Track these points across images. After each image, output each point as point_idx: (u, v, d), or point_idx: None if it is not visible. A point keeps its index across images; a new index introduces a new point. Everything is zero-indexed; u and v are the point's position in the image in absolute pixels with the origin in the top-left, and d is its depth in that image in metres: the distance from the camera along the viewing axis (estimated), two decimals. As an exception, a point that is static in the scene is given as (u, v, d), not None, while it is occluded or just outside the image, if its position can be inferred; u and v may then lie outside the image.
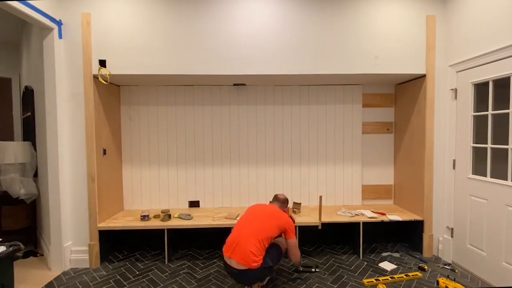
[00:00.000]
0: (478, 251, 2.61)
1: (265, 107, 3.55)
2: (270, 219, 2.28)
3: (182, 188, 3.55)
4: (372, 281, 2.53)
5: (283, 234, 2.35)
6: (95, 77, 2.86)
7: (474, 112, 2.68)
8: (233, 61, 2.86)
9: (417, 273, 2.66)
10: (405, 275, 2.62)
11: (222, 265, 2.63)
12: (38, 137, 3.29)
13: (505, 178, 2.36)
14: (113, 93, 3.29)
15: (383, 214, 3.13)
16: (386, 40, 2.92)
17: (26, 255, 3.14)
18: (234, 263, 2.13)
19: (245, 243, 2.13)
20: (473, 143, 2.69)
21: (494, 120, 2.53)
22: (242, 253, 2.11)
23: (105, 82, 2.86)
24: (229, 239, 2.26)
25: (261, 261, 2.13)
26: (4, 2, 2.18)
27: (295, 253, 2.34)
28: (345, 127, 3.59)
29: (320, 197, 3.01)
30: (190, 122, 3.52)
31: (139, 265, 2.95)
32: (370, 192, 3.64)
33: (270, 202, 2.65)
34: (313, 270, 2.76)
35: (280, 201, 2.60)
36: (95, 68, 2.81)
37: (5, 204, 3.19)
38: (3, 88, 4.46)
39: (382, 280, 2.54)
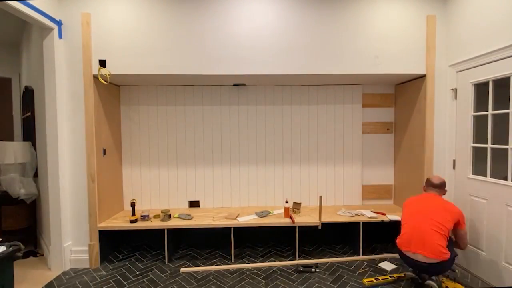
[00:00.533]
0: (478, 251, 2.61)
1: (265, 107, 3.55)
2: (444, 213, 2.32)
3: (182, 188, 3.55)
4: (372, 281, 2.53)
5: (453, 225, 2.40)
6: (95, 77, 2.86)
7: (474, 112, 2.68)
8: (233, 61, 2.86)
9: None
10: (405, 274, 2.63)
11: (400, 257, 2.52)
12: (38, 137, 3.29)
13: (505, 178, 2.36)
14: (113, 93, 3.29)
15: (383, 214, 3.13)
16: (386, 40, 2.92)
17: (26, 255, 3.14)
18: (421, 257, 2.24)
19: (431, 238, 2.22)
20: (473, 143, 2.69)
21: (494, 120, 2.53)
22: (430, 247, 2.21)
23: (105, 82, 2.86)
24: (407, 233, 2.34)
25: (449, 253, 2.23)
26: (4, 2, 2.18)
27: (466, 242, 2.47)
28: (345, 127, 3.59)
29: (320, 197, 3.01)
30: (190, 122, 3.52)
31: (139, 265, 2.95)
32: (370, 192, 3.64)
33: (424, 188, 2.62)
34: (313, 270, 2.76)
35: (437, 186, 2.53)
36: (95, 68, 2.81)
37: (5, 204, 3.19)
38: (3, 88, 4.46)
39: (382, 279, 2.55)
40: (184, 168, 3.54)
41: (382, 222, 3.07)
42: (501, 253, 2.38)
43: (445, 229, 2.26)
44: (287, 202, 3.06)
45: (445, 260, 2.21)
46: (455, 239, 2.48)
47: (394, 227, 3.59)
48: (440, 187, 2.53)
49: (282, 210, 3.29)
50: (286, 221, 2.97)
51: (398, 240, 2.41)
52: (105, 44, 2.81)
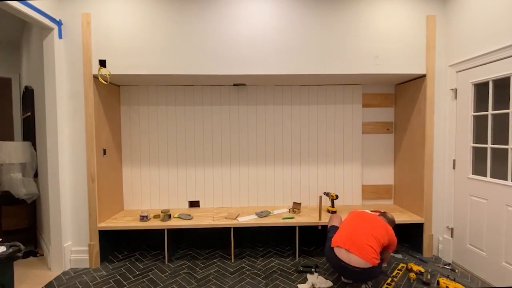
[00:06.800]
0: (478, 251, 2.61)
1: (265, 107, 3.55)
2: (383, 229, 2.36)
3: (182, 188, 3.55)
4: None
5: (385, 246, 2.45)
6: (95, 77, 2.86)
7: (474, 112, 2.68)
8: (233, 61, 2.86)
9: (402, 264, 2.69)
10: (398, 269, 2.71)
11: (327, 256, 2.38)
12: (38, 137, 3.29)
13: (505, 178, 2.36)
14: (113, 93, 3.29)
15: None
16: (386, 40, 2.92)
17: (26, 255, 3.14)
18: (354, 259, 2.15)
19: (365, 239, 2.21)
20: (473, 143, 2.69)
21: (494, 120, 2.53)
22: (360, 247, 2.17)
23: (105, 82, 2.86)
24: (342, 234, 2.30)
25: (379, 260, 2.21)
26: (4, 2, 2.18)
27: (386, 262, 2.71)
28: (345, 127, 3.59)
29: (320, 197, 3.01)
30: (190, 122, 3.52)
31: (139, 265, 2.95)
32: (370, 192, 3.64)
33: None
34: (313, 270, 2.75)
35: (388, 219, 2.67)
36: (95, 68, 2.81)
37: (6, 204, 3.19)
38: (3, 88, 4.46)
39: (390, 281, 2.55)
40: (184, 168, 3.54)
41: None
42: (501, 253, 2.39)
43: (381, 240, 2.28)
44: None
45: (374, 266, 2.17)
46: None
47: (400, 227, 3.59)
48: (390, 221, 2.65)
49: (282, 210, 3.29)
50: (285, 221, 2.97)
51: (335, 239, 2.32)
52: (105, 44, 2.81)
